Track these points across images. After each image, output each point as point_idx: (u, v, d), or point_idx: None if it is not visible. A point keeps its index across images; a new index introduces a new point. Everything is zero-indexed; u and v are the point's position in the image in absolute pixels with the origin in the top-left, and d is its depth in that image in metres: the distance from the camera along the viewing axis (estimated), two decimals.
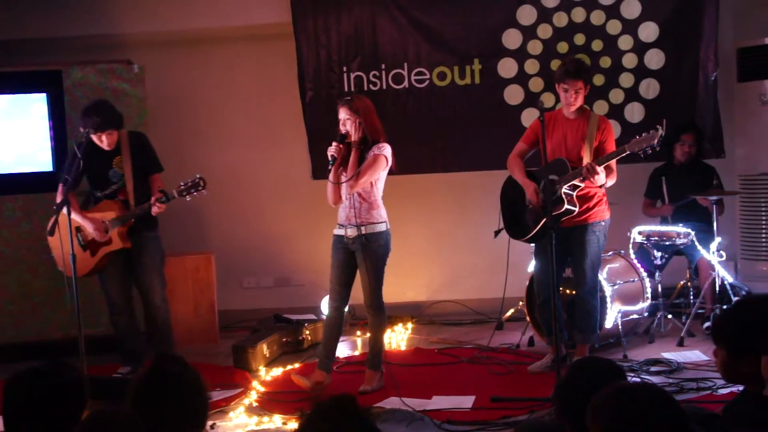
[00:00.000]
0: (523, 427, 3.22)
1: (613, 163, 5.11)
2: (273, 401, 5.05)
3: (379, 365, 5.20)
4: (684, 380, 4.97)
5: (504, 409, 4.66)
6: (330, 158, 4.99)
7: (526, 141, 5.40)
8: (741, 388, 2.76)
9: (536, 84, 6.75)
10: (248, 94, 7.36)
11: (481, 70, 6.80)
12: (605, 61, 6.69)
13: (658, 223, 6.33)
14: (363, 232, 4.98)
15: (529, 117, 6.64)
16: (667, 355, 5.53)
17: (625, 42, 6.66)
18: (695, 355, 5.50)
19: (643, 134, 4.95)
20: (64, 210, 4.88)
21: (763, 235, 6.74)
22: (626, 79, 6.70)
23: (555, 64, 6.42)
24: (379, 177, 5.04)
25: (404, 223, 6.45)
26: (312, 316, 6.61)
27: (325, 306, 5.84)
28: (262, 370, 5.75)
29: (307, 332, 6.35)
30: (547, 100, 6.43)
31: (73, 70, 6.31)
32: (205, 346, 6.44)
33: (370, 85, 6.85)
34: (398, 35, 6.84)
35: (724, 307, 5.64)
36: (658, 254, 6.01)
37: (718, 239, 5.88)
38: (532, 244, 5.50)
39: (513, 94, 6.79)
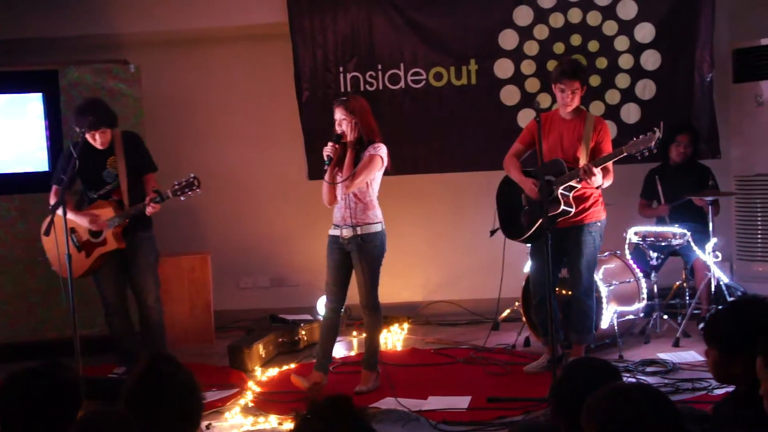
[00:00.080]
0: (519, 428, 3.22)
1: (609, 164, 5.11)
2: (269, 401, 5.05)
3: (375, 366, 5.20)
4: (679, 381, 4.98)
5: (500, 409, 4.66)
6: (326, 158, 4.99)
7: (522, 141, 5.40)
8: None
9: (532, 84, 6.75)
10: (244, 95, 7.36)
11: (478, 71, 6.80)
12: (601, 62, 6.69)
13: (654, 223, 6.33)
14: (358, 232, 4.98)
15: (525, 117, 6.64)
16: (662, 355, 5.54)
17: (622, 43, 6.67)
18: (691, 355, 5.51)
19: (641, 136, 4.94)
20: (59, 211, 4.87)
21: (759, 236, 6.75)
22: (622, 80, 6.71)
23: (551, 65, 6.43)
24: (374, 177, 5.04)
25: (400, 223, 6.45)
26: (308, 317, 6.60)
27: (321, 306, 5.83)
28: (257, 371, 5.75)
29: (303, 332, 6.34)
30: (544, 100, 6.44)
31: (69, 70, 6.31)
32: (201, 347, 6.44)
33: (367, 86, 6.85)
34: (395, 35, 6.84)
35: (719, 307, 5.65)
36: (654, 255, 6.02)
37: (713, 240, 5.89)
38: (528, 245, 5.51)
39: (509, 95, 6.79)
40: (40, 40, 6.83)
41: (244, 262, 7.38)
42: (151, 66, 6.77)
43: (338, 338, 5.36)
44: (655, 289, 6.03)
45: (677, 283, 6.23)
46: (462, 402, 4.84)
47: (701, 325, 5.95)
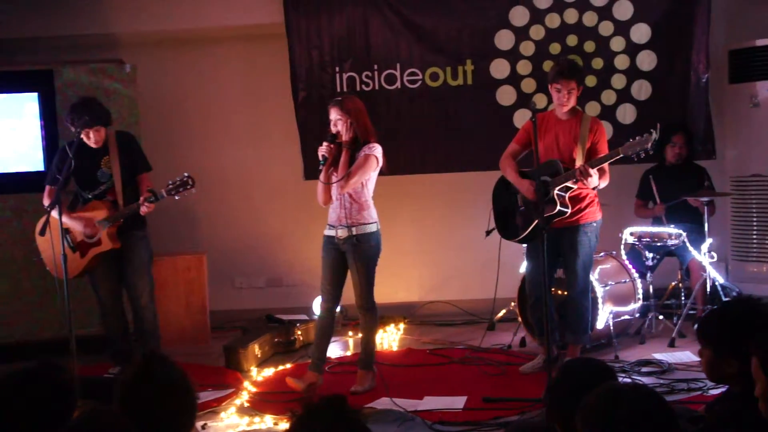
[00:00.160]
0: (514, 428, 3.23)
1: (605, 164, 5.12)
2: (264, 402, 5.05)
3: (371, 366, 5.20)
4: (675, 381, 4.99)
5: (495, 409, 4.66)
6: (321, 158, 4.99)
7: (518, 142, 5.40)
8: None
9: (528, 85, 6.76)
10: (240, 94, 7.36)
11: (474, 71, 6.80)
12: (597, 63, 6.70)
13: (650, 224, 6.34)
14: (353, 232, 4.98)
15: (521, 118, 6.65)
16: (658, 355, 5.54)
17: (618, 43, 6.68)
18: (686, 355, 5.51)
19: (637, 137, 4.94)
20: (54, 212, 4.85)
21: (754, 237, 6.76)
22: (618, 81, 6.71)
23: (547, 65, 6.43)
24: (369, 177, 5.03)
25: (395, 223, 6.45)
26: (304, 317, 6.60)
27: (317, 306, 5.83)
28: (253, 371, 5.74)
29: (299, 332, 6.34)
30: (540, 101, 6.44)
31: (64, 70, 6.30)
32: (196, 347, 6.42)
33: (363, 86, 6.85)
34: (391, 36, 6.83)
35: (713, 307, 5.65)
36: (650, 255, 6.03)
37: (709, 240, 5.90)
38: (524, 245, 5.51)
39: (505, 95, 6.79)
40: (35, 39, 6.82)
41: (239, 262, 7.37)
42: (146, 66, 6.77)
43: (334, 338, 5.36)
44: (651, 290, 6.03)
45: (673, 283, 6.24)
46: (458, 402, 4.84)
47: (697, 326, 5.96)
